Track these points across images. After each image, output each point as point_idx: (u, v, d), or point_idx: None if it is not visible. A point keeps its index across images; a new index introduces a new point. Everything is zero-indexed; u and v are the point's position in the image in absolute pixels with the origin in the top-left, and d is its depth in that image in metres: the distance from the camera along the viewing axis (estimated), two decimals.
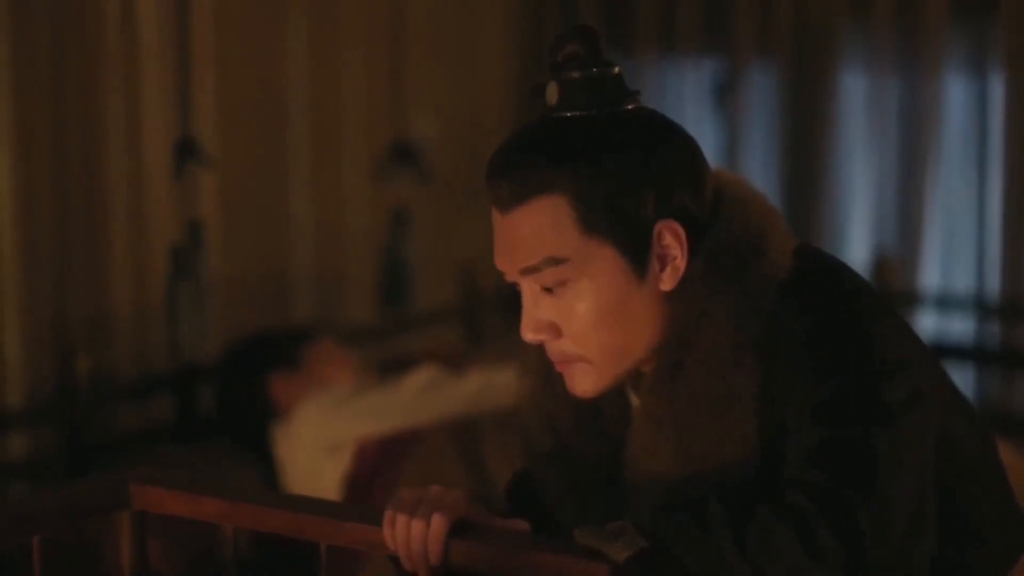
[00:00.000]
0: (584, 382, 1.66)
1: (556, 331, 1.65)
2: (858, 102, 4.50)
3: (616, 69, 1.64)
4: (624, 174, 1.60)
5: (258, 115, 3.92)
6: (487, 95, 4.59)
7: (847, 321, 1.58)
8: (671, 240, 1.61)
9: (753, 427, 1.57)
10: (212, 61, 3.72)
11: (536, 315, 1.65)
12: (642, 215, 1.60)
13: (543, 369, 1.74)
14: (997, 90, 4.28)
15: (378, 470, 3.01)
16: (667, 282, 1.62)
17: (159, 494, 2.03)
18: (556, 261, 1.61)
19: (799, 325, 1.57)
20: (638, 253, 1.61)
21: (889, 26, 4.38)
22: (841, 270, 1.66)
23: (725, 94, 4.52)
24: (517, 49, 4.70)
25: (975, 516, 1.67)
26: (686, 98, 4.64)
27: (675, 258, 1.61)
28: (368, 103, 4.17)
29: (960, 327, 4.38)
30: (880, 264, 4.18)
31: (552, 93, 1.64)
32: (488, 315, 4.21)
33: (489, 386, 3.15)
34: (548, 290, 1.63)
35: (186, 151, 3.16)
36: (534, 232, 1.62)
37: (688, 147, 1.65)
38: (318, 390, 3.17)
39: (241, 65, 3.85)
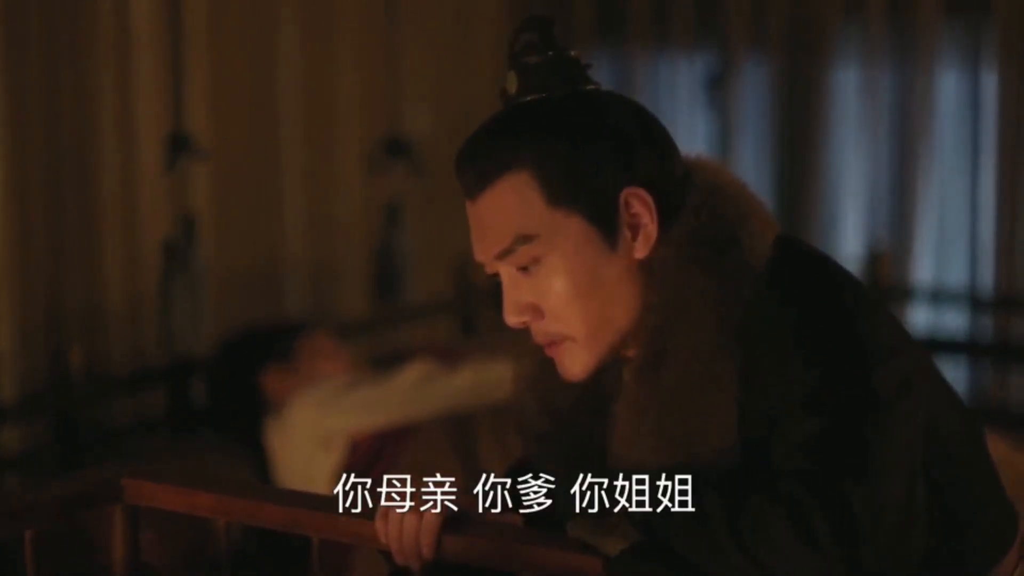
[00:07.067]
0: (573, 363, 1.65)
1: (537, 312, 1.64)
2: (851, 96, 4.50)
3: (572, 53, 1.65)
4: (583, 144, 1.61)
5: (251, 108, 3.92)
6: (480, 88, 4.58)
7: (833, 310, 1.58)
8: (639, 207, 1.61)
9: (734, 415, 1.56)
10: (205, 54, 3.72)
11: (515, 298, 1.65)
12: (605, 183, 1.60)
13: (540, 351, 1.73)
14: (990, 83, 4.28)
15: (371, 464, 3.00)
16: (640, 249, 1.61)
17: (151, 488, 2.02)
18: (526, 238, 1.62)
19: (784, 314, 1.57)
20: (606, 221, 1.61)
21: (883, 20, 4.38)
22: (824, 260, 1.66)
23: (718, 88, 4.51)
24: (509, 42, 4.68)
25: (964, 508, 1.66)
26: (679, 93, 4.64)
27: (646, 225, 1.61)
28: (361, 96, 4.17)
29: (953, 321, 4.38)
30: (873, 258, 4.18)
31: (511, 82, 1.66)
32: (481, 308, 4.20)
33: (482, 379, 3.15)
34: (524, 270, 1.63)
35: (179, 144, 3.16)
36: (502, 213, 1.62)
37: (647, 124, 1.65)
38: (311, 383, 3.17)
39: (234, 58, 3.84)
